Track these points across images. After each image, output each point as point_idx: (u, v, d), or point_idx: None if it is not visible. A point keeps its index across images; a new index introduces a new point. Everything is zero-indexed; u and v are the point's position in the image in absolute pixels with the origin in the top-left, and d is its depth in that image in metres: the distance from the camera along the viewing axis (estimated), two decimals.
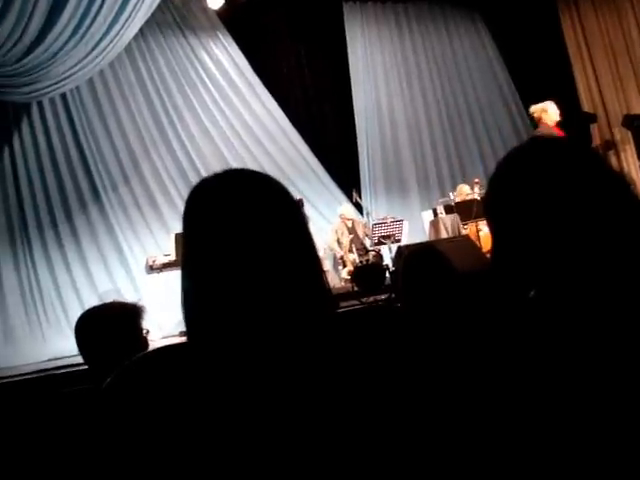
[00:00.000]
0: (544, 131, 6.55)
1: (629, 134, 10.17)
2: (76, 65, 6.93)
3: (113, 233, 8.14)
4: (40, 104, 7.84)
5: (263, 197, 1.00)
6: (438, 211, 8.65)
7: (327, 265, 8.65)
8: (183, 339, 1.01)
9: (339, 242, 8.62)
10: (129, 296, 7.26)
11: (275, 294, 0.94)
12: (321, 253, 6.83)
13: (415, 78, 10.88)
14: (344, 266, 8.51)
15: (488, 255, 6.40)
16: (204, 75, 9.34)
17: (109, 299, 2.30)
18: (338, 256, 8.68)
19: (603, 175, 1.04)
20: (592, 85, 10.81)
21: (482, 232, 7.84)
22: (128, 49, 8.25)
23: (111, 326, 2.12)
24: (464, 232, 8.02)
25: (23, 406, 3.54)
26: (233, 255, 0.94)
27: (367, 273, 6.96)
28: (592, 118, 10.56)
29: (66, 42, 6.66)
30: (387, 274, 6.85)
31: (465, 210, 8.14)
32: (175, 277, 6.96)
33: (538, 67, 10.42)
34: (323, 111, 10.34)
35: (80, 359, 2.22)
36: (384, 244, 8.13)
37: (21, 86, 6.72)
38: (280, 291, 0.94)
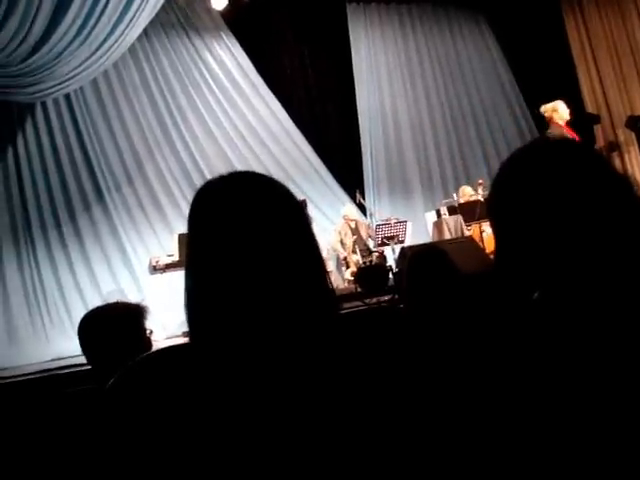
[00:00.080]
0: (555, 131, 6.54)
1: (633, 135, 10.16)
2: (80, 65, 6.94)
3: (117, 234, 8.15)
4: (44, 105, 7.86)
5: (267, 199, 1.00)
6: (441, 212, 8.65)
7: (330, 266, 8.65)
8: (186, 339, 1.02)
9: (342, 243, 8.62)
10: (132, 296, 7.27)
11: (279, 295, 0.94)
12: (324, 254, 6.82)
13: (419, 79, 10.89)
14: (347, 267, 8.51)
15: (491, 256, 6.40)
16: (208, 76, 9.36)
17: (112, 299, 2.30)
18: (341, 257, 8.68)
19: (607, 177, 1.03)
20: (596, 86, 10.80)
21: (485, 233, 7.84)
22: (132, 50, 8.27)
23: (114, 326, 2.12)
24: (467, 233, 8.01)
25: (27, 406, 3.55)
26: (237, 256, 0.94)
27: (370, 274, 6.96)
28: (596, 119, 10.55)
29: (70, 42, 6.68)
30: (390, 275, 6.85)
31: (468, 211, 8.13)
32: (178, 277, 6.95)
33: (542, 69, 10.41)
34: (326, 112, 10.34)
35: (83, 359, 2.22)
36: (387, 245, 8.13)
37: (25, 86, 6.73)
38: (284, 292, 0.95)
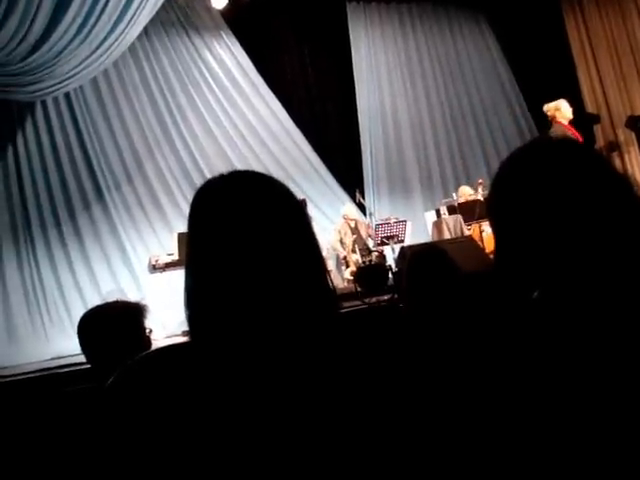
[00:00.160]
0: (558, 130, 6.55)
1: (633, 135, 10.16)
2: (80, 64, 6.94)
3: (116, 232, 8.15)
4: (44, 103, 7.86)
5: (268, 198, 1.00)
6: (441, 212, 8.65)
7: (330, 265, 8.64)
8: (186, 338, 1.02)
9: (342, 242, 8.62)
10: (132, 295, 7.27)
11: (279, 294, 0.94)
12: (324, 253, 6.81)
13: (419, 78, 10.89)
14: (347, 266, 8.51)
15: (491, 256, 6.40)
16: (208, 75, 9.35)
17: (112, 298, 2.30)
18: (341, 256, 8.68)
19: (606, 176, 1.03)
20: (596, 86, 10.80)
21: (485, 233, 7.84)
22: (132, 48, 8.26)
23: (114, 325, 2.12)
24: (467, 233, 8.01)
25: (26, 405, 3.55)
26: (237, 255, 0.94)
27: (370, 274, 6.96)
28: (596, 119, 10.55)
29: (70, 41, 6.67)
30: (390, 275, 6.85)
31: (468, 211, 8.14)
32: (178, 276, 6.96)
33: (542, 68, 10.42)
34: (326, 111, 10.34)
35: (83, 358, 2.22)
36: (387, 244, 8.12)
37: (25, 85, 6.73)
38: (284, 291, 0.95)
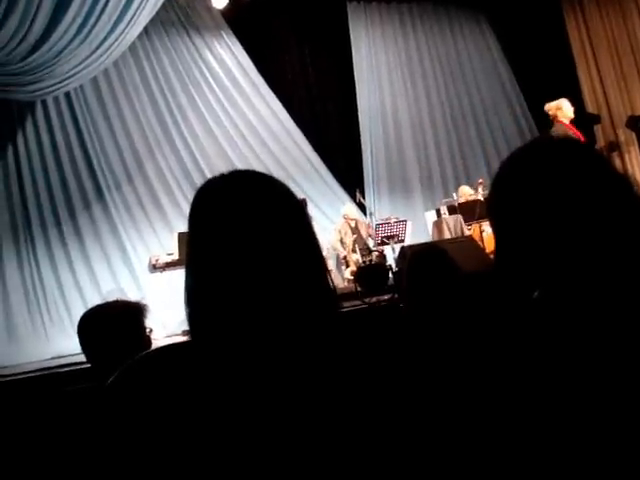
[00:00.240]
0: (559, 130, 6.55)
1: (633, 135, 10.16)
2: (80, 64, 6.94)
3: (116, 232, 8.15)
4: (44, 103, 7.86)
5: (268, 198, 1.00)
6: (441, 212, 8.65)
7: (330, 265, 8.64)
8: (186, 338, 1.02)
9: (342, 242, 8.62)
10: (132, 295, 7.27)
11: (279, 293, 0.94)
12: (324, 253, 6.82)
13: (419, 78, 10.89)
14: (347, 266, 8.51)
15: (491, 256, 6.40)
16: (208, 75, 9.36)
17: (112, 298, 2.30)
18: (341, 256, 8.68)
19: (607, 176, 1.04)
20: (596, 86, 10.80)
21: (485, 233, 7.84)
22: (132, 48, 8.26)
23: (114, 324, 2.12)
24: (467, 233, 8.01)
25: (26, 404, 3.55)
26: (237, 255, 0.94)
27: (370, 273, 6.96)
28: (596, 119, 10.54)
29: (71, 41, 6.68)
30: (390, 274, 6.85)
31: (468, 211, 8.14)
32: (178, 276, 6.97)
33: (542, 68, 10.42)
34: (327, 111, 10.34)
35: (83, 358, 2.22)
36: (387, 244, 8.13)
37: (26, 84, 6.73)
38: (284, 290, 0.95)
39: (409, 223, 8.41)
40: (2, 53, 6.30)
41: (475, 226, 8.07)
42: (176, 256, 7.27)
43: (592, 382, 0.90)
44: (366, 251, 8.42)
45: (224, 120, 9.32)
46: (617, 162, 10.33)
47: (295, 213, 1.02)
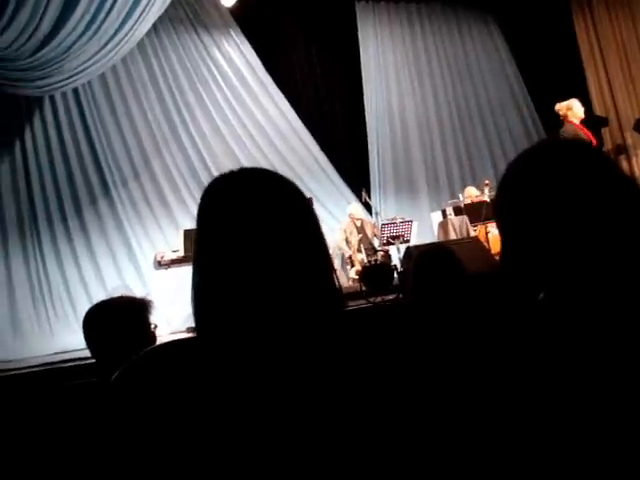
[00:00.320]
0: (569, 130, 6.54)
1: None
2: (89, 60, 6.96)
3: (122, 228, 8.16)
4: (52, 99, 7.88)
5: (276, 196, 1.00)
6: (447, 212, 8.64)
7: (335, 264, 8.63)
8: (190, 335, 1.02)
9: (348, 241, 8.61)
10: (137, 291, 7.27)
11: (286, 292, 0.94)
12: (330, 252, 6.80)
13: (427, 78, 10.87)
14: (352, 266, 8.51)
15: (497, 257, 6.39)
16: (216, 73, 9.36)
17: (117, 294, 2.30)
18: (346, 255, 8.68)
19: (614, 179, 1.03)
20: (604, 88, 10.76)
21: (491, 234, 7.83)
22: (140, 45, 8.26)
23: (119, 320, 2.12)
24: (473, 234, 8.00)
25: (30, 399, 3.56)
26: (245, 253, 0.94)
27: (375, 273, 6.95)
28: (604, 122, 10.50)
29: (79, 37, 6.69)
30: (395, 274, 6.84)
31: (474, 212, 8.13)
32: (183, 273, 6.98)
33: (550, 70, 10.39)
34: (334, 110, 10.33)
35: (88, 353, 2.23)
36: (393, 244, 8.12)
37: (34, 80, 6.75)
38: (291, 289, 0.95)
39: (415, 223, 8.40)
40: (11, 48, 6.32)
41: (481, 227, 8.05)
42: (181, 253, 7.29)
43: (596, 383, 0.90)
44: (371, 251, 8.42)
45: (231, 119, 9.32)
46: (624, 165, 10.30)
47: (303, 211, 1.02)
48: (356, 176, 9.88)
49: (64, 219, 7.80)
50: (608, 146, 10.49)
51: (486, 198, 8.33)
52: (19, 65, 6.51)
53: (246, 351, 0.92)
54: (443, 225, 8.55)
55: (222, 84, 9.36)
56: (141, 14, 6.99)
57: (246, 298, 0.94)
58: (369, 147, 10.15)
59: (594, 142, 6.88)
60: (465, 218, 8.27)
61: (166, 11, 7.77)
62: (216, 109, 9.23)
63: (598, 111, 10.69)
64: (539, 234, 1.02)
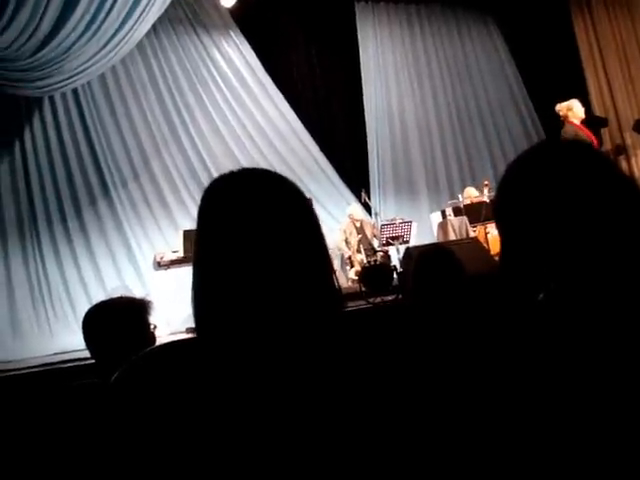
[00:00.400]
0: (570, 130, 6.55)
1: None
2: (89, 60, 6.96)
3: (122, 229, 8.16)
4: (52, 99, 7.88)
5: (277, 197, 1.00)
6: (447, 213, 8.64)
7: (335, 265, 8.61)
8: (190, 336, 1.02)
9: (347, 242, 8.61)
10: (137, 292, 7.27)
11: (285, 292, 0.94)
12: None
13: (426, 79, 10.88)
14: (352, 266, 8.51)
15: (496, 258, 6.39)
16: (216, 73, 9.36)
17: (117, 294, 2.30)
18: (346, 256, 8.68)
19: (614, 179, 1.03)
20: (604, 89, 10.76)
21: (490, 235, 7.83)
22: (140, 45, 8.26)
23: (118, 320, 2.12)
24: (472, 234, 8.00)
25: (30, 399, 3.55)
26: (245, 253, 0.94)
27: (375, 274, 6.94)
28: (603, 122, 10.50)
29: (79, 37, 6.69)
30: (395, 275, 6.84)
31: (474, 213, 8.13)
32: (183, 274, 6.98)
33: (550, 70, 10.39)
34: (334, 111, 10.33)
35: (87, 353, 2.23)
36: (392, 245, 8.12)
37: (34, 80, 6.75)
38: (290, 289, 0.95)
39: (414, 224, 8.39)
40: (11, 49, 6.32)
41: (480, 228, 8.05)
42: (181, 253, 7.29)
43: (595, 384, 0.90)
44: (371, 251, 8.42)
45: (231, 119, 9.32)
46: (624, 165, 10.30)
47: (304, 212, 1.02)
48: (356, 177, 9.88)
49: (64, 220, 7.80)
50: (607, 146, 10.48)
51: (485, 199, 8.33)
52: (19, 65, 6.51)
53: (246, 352, 0.92)
54: (442, 226, 8.55)
55: (222, 85, 9.36)
56: (141, 14, 6.99)
57: (246, 299, 0.94)
58: (369, 148, 10.15)
59: (595, 142, 6.88)
60: (464, 219, 8.27)
61: (166, 12, 7.77)
62: (216, 110, 9.23)
63: (597, 111, 10.69)
64: (538, 235, 1.02)
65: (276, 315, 0.94)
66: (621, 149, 10.52)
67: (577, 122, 6.70)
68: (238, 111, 9.38)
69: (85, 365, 4.35)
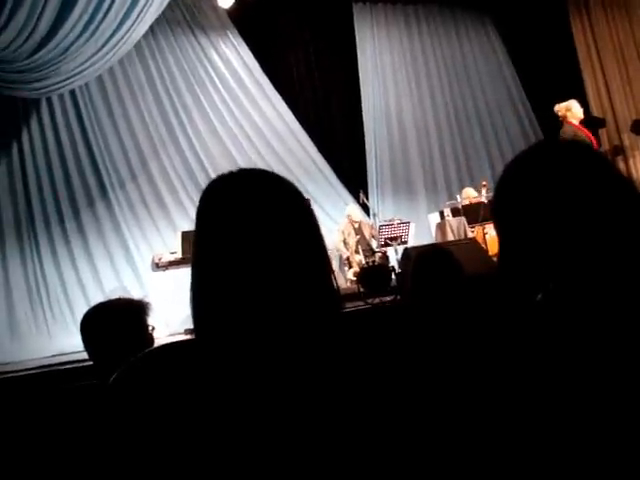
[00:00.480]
0: (569, 130, 6.55)
1: (638, 140, 10.14)
2: (86, 62, 6.95)
3: (120, 230, 8.16)
4: (49, 100, 7.87)
5: (275, 197, 1.00)
6: (445, 214, 8.64)
7: (333, 266, 8.58)
8: (188, 337, 1.02)
9: (345, 243, 8.61)
10: (135, 293, 7.27)
11: (284, 293, 0.94)
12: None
13: (424, 80, 10.89)
14: (350, 267, 8.51)
15: (494, 258, 6.39)
16: (213, 74, 9.36)
17: (115, 296, 2.30)
18: (344, 257, 8.67)
19: (611, 180, 1.03)
20: (602, 90, 10.77)
21: (488, 235, 7.83)
22: (138, 47, 8.27)
23: (117, 322, 2.12)
24: (470, 235, 8.00)
25: (28, 401, 3.55)
26: (244, 254, 0.94)
27: (373, 274, 6.95)
28: (601, 123, 10.52)
29: (77, 38, 6.68)
30: (393, 276, 6.84)
31: (472, 213, 8.14)
32: (181, 275, 6.98)
33: (548, 71, 10.40)
34: (332, 111, 10.34)
35: (85, 355, 2.22)
36: (390, 246, 8.11)
37: (31, 82, 6.74)
38: (289, 290, 0.95)
39: (412, 225, 8.39)
40: (9, 50, 6.32)
41: (478, 228, 8.06)
42: (179, 255, 7.28)
43: (594, 384, 0.90)
44: (369, 252, 8.41)
45: (229, 120, 9.32)
46: (621, 166, 10.31)
47: (302, 212, 1.02)
48: (354, 177, 9.88)
49: (61, 221, 7.80)
50: (605, 147, 10.50)
51: (483, 199, 8.34)
52: (16, 67, 6.51)
53: (244, 353, 0.92)
54: (441, 226, 8.55)
55: (219, 86, 9.36)
56: (138, 15, 6.99)
57: (245, 300, 0.93)
58: (367, 148, 10.15)
59: (594, 142, 6.90)
60: (463, 219, 8.28)
61: (163, 13, 7.78)
62: (213, 111, 9.23)
63: (595, 112, 10.70)
64: (537, 235, 1.02)
65: (275, 316, 0.93)
66: (619, 150, 10.53)
67: (576, 122, 6.72)
68: (236, 112, 9.38)
69: (83, 367, 4.35)
